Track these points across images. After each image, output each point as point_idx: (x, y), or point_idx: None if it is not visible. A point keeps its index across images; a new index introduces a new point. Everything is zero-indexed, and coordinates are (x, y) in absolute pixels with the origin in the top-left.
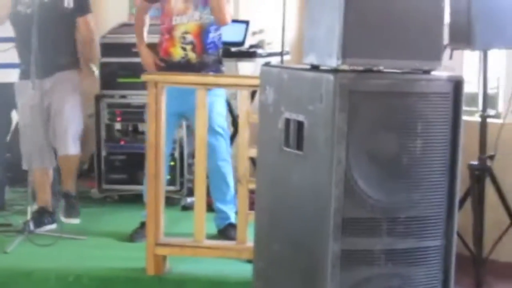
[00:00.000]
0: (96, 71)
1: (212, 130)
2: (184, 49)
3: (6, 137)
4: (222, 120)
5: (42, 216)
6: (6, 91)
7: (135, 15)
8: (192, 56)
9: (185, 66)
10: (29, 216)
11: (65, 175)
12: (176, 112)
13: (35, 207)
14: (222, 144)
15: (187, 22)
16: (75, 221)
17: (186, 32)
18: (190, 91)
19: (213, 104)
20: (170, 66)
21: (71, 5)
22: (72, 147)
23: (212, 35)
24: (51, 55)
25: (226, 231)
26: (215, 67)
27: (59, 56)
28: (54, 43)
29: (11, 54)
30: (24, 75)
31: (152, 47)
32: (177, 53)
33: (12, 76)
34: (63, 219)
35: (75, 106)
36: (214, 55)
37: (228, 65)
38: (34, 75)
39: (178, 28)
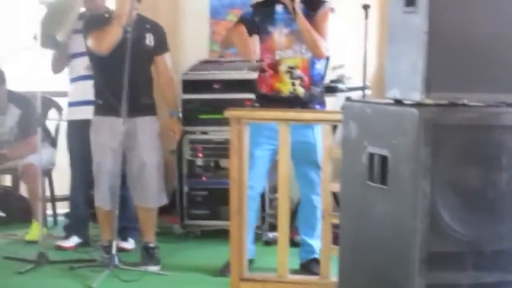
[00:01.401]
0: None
1: (315, 164)
2: (293, 84)
3: (89, 174)
4: (319, 156)
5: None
6: (86, 128)
7: (232, 32)
8: (300, 90)
9: (293, 101)
10: (114, 251)
11: (146, 226)
12: (271, 149)
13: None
14: (319, 179)
15: (293, 56)
16: (155, 268)
17: (292, 67)
18: (293, 126)
19: (317, 138)
20: (278, 100)
21: (152, 43)
22: (155, 201)
23: (317, 67)
24: (133, 94)
25: (310, 266)
26: (321, 100)
27: (140, 97)
28: (135, 81)
29: (89, 92)
30: (102, 111)
31: (239, 83)
32: (286, 88)
33: (90, 113)
34: (143, 268)
35: (158, 157)
36: (320, 87)
37: None
38: (125, 113)
39: (283, 62)
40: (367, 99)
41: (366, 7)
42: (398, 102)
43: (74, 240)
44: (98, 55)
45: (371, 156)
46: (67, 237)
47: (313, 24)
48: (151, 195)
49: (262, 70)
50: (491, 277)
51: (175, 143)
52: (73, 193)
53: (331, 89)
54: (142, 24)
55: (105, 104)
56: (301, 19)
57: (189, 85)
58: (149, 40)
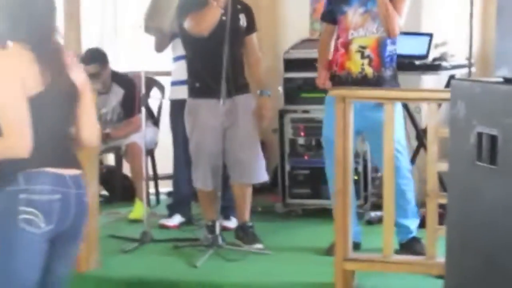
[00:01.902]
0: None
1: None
2: (362, 64)
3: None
4: (401, 136)
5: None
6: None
7: (320, 38)
8: (369, 71)
9: (361, 82)
10: (217, 231)
11: (243, 204)
12: (355, 129)
13: (208, 223)
14: (402, 161)
15: (364, 36)
16: (258, 246)
17: (363, 47)
18: (368, 107)
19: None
20: (348, 81)
21: (245, 23)
22: (252, 177)
23: (389, 49)
24: (232, 75)
25: (410, 245)
26: (392, 83)
27: (238, 77)
28: (233, 62)
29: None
30: (198, 94)
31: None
32: (356, 68)
33: (182, 92)
34: (246, 247)
35: (256, 134)
36: (391, 70)
37: (411, 78)
38: (224, 93)
39: (355, 41)
40: (475, 78)
41: None
42: (508, 81)
43: (177, 219)
44: (194, 37)
45: (480, 135)
46: (170, 215)
47: (391, 1)
48: (247, 172)
49: (336, 49)
50: None
51: (269, 121)
52: (176, 172)
53: (434, 67)
54: (235, 5)
55: (204, 86)
56: None
57: (291, 64)
58: (243, 21)
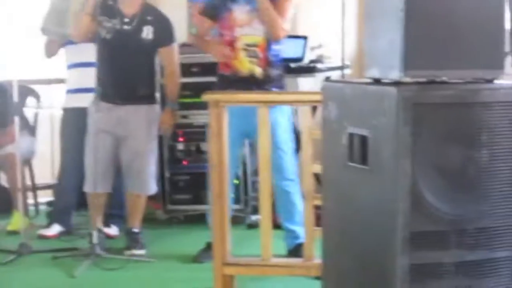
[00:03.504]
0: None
1: (276, 148)
2: (251, 62)
3: (81, 162)
4: (287, 137)
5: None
6: (81, 116)
7: (196, 39)
8: (257, 70)
9: (250, 81)
10: (95, 240)
11: (132, 212)
12: (240, 131)
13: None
14: (287, 162)
15: (251, 34)
16: (141, 252)
17: (250, 45)
18: (253, 109)
19: (276, 120)
20: (235, 80)
21: (150, 36)
22: (148, 188)
23: (275, 48)
24: (129, 84)
25: (297, 251)
26: (279, 82)
27: (137, 86)
28: (132, 72)
29: (86, 79)
30: (100, 98)
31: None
32: (243, 67)
33: (85, 101)
34: (126, 253)
35: (153, 145)
36: (278, 69)
37: (288, 81)
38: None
39: (241, 40)
40: (346, 79)
41: None
42: (377, 81)
43: (56, 229)
44: (99, 43)
45: (351, 136)
46: (49, 225)
47: (275, 4)
48: (142, 182)
49: None
50: (474, 254)
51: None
52: (61, 180)
53: (310, 69)
54: (144, 16)
55: (103, 91)
56: None
57: None
58: (147, 33)
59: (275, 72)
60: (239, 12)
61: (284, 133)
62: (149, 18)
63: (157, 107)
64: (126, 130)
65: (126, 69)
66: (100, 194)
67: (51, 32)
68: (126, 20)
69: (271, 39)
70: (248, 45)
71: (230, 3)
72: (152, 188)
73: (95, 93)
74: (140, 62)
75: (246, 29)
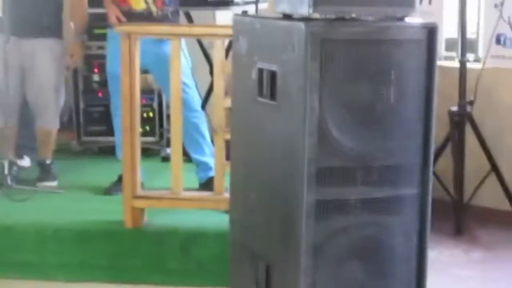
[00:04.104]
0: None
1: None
2: (146, 1)
3: None
4: (187, 71)
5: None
6: None
7: None
8: (153, 8)
9: (146, 18)
10: (6, 171)
11: (43, 145)
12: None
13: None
14: (191, 95)
15: None
16: (52, 184)
17: None
18: (150, 42)
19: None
20: (131, 17)
21: None
22: (53, 122)
23: None
24: (35, 15)
25: (209, 185)
26: (174, 19)
27: (43, 18)
28: (37, 2)
29: None
30: (2, 30)
31: None
32: (139, 5)
33: None
34: (38, 184)
35: (58, 79)
36: (173, 7)
37: (205, 14)
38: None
39: None
40: (257, 14)
41: None
42: (287, 16)
43: None
44: None
45: (261, 71)
46: None
47: None
48: (49, 117)
49: None
50: (380, 191)
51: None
52: None
53: (226, 3)
54: None
55: (10, 24)
56: None
57: None
58: None
59: (170, 9)
60: None
61: (184, 66)
62: None
63: (63, 42)
64: (31, 63)
65: (30, 1)
66: (9, 126)
67: None
68: None
69: None
70: None
71: None
72: (56, 123)
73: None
74: None
75: None
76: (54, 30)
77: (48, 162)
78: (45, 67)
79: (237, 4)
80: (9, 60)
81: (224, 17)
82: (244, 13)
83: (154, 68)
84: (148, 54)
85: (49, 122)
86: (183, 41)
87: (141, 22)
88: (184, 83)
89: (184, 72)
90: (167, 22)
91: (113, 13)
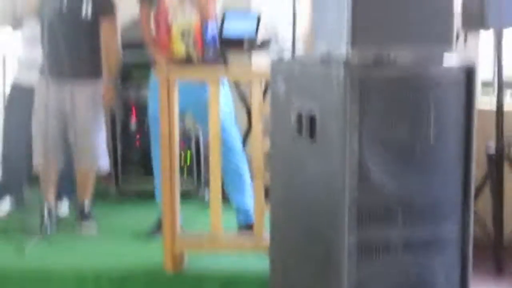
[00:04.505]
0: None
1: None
2: (186, 46)
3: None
4: (230, 115)
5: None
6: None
7: (141, 24)
8: (193, 53)
9: (187, 64)
10: (46, 215)
11: (84, 187)
12: (180, 109)
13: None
14: (232, 138)
15: (185, 19)
16: (92, 228)
17: (186, 29)
18: (193, 87)
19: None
20: (172, 63)
21: (89, 14)
22: (95, 163)
23: (210, 31)
24: (73, 60)
25: (249, 229)
26: (215, 62)
27: (80, 63)
28: (74, 47)
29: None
30: (45, 74)
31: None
32: (179, 51)
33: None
34: (77, 227)
35: (99, 119)
36: (213, 50)
37: (241, 58)
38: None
39: (175, 23)
40: (295, 57)
41: None
42: (325, 57)
43: (7, 203)
44: (43, 20)
45: (300, 113)
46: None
47: None
48: (90, 158)
49: (157, 33)
50: (421, 231)
51: (108, 109)
52: (7, 154)
53: (263, 47)
54: None
55: (48, 67)
56: None
57: (122, 44)
58: (85, 12)
59: (211, 55)
60: None
61: (227, 110)
62: None
63: (99, 82)
64: (72, 105)
65: (68, 45)
66: (51, 167)
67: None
68: (65, 1)
69: (204, 19)
70: (183, 29)
71: None
72: (102, 165)
73: (41, 69)
74: (82, 37)
75: (179, 14)
76: (92, 71)
77: (86, 205)
78: (83, 109)
79: (274, 48)
80: (49, 103)
81: (260, 61)
82: (280, 56)
83: (196, 111)
84: (191, 97)
85: (90, 163)
86: (225, 83)
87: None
88: (227, 126)
89: (227, 115)
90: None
91: (160, 58)
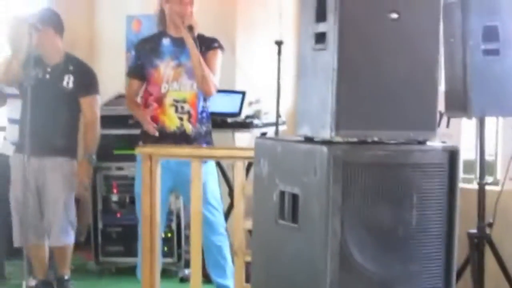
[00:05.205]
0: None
1: (207, 203)
2: (180, 118)
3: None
4: (216, 193)
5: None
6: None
7: (126, 103)
8: (187, 126)
9: (180, 137)
10: None
11: (60, 261)
12: (167, 186)
13: (33, 281)
14: (218, 218)
15: (179, 90)
16: None
17: (179, 101)
18: (182, 164)
19: (206, 177)
20: (164, 136)
21: (70, 85)
22: (64, 239)
23: (203, 104)
24: (48, 135)
25: None
26: (208, 138)
27: (56, 138)
28: (52, 122)
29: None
30: (19, 149)
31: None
32: (172, 123)
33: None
34: None
35: (68, 198)
36: (207, 125)
37: (224, 136)
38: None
39: (169, 95)
40: (278, 136)
41: (279, 43)
42: (308, 139)
43: None
44: (23, 92)
45: (282, 194)
46: None
47: (203, 59)
48: (61, 235)
49: (146, 105)
50: None
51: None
52: None
53: (246, 125)
54: (65, 66)
55: (21, 142)
56: (194, 51)
57: (104, 120)
58: (67, 82)
59: (203, 128)
60: (165, 68)
61: (214, 188)
62: (71, 67)
63: (75, 162)
64: (42, 181)
65: (44, 119)
66: (34, 246)
67: None
68: (48, 69)
69: (202, 94)
70: (177, 101)
71: (155, 59)
72: (68, 239)
73: (17, 145)
74: (59, 112)
75: (174, 84)
76: (67, 150)
77: (66, 278)
78: (54, 186)
79: (257, 126)
80: (20, 178)
81: (243, 139)
82: (264, 135)
83: (185, 188)
84: (179, 175)
85: (59, 239)
86: (212, 163)
87: (174, 141)
88: (212, 206)
89: (213, 194)
90: (200, 140)
91: (146, 121)
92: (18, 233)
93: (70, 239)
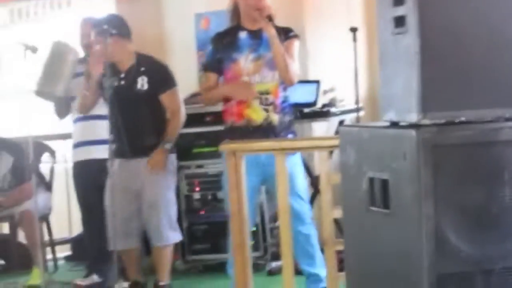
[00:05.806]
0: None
1: (296, 195)
2: (266, 110)
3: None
4: (303, 184)
5: None
6: (91, 168)
7: (204, 96)
8: (274, 117)
9: (266, 130)
10: None
11: (159, 265)
12: (257, 180)
13: (125, 284)
14: (305, 208)
15: (261, 82)
16: None
17: (263, 93)
18: (269, 157)
19: (293, 169)
20: (250, 131)
21: (145, 86)
22: (166, 238)
23: (284, 94)
24: (136, 137)
25: None
26: (293, 129)
27: (145, 138)
28: (135, 124)
29: (88, 132)
30: (113, 154)
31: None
32: (259, 116)
33: (90, 153)
34: None
35: (169, 192)
36: (290, 115)
37: (302, 126)
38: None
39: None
40: (363, 123)
41: (354, 30)
42: (395, 124)
43: (93, 279)
44: (106, 102)
45: (371, 180)
46: (87, 275)
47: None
48: (160, 234)
49: (226, 100)
50: None
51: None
52: (88, 233)
53: (323, 114)
54: (137, 68)
55: (115, 147)
56: (277, 42)
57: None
58: (142, 84)
59: (287, 118)
60: (245, 61)
61: (301, 179)
62: (142, 68)
63: (171, 156)
64: (140, 182)
65: (129, 123)
66: (130, 249)
67: (45, 95)
68: (122, 75)
69: (285, 84)
70: (261, 93)
71: (234, 53)
72: (172, 237)
73: (110, 149)
74: (141, 114)
75: (256, 77)
76: (157, 146)
77: (162, 283)
78: (152, 184)
79: (334, 114)
80: (117, 183)
81: (320, 128)
82: (342, 123)
83: (272, 185)
84: (267, 169)
85: (161, 239)
86: (298, 153)
87: (261, 135)
88: (300, 196)
89: (301, 185)
90: (286, 131)
91: (237, 87)
92: (112, 239)
93: (173, 237)
